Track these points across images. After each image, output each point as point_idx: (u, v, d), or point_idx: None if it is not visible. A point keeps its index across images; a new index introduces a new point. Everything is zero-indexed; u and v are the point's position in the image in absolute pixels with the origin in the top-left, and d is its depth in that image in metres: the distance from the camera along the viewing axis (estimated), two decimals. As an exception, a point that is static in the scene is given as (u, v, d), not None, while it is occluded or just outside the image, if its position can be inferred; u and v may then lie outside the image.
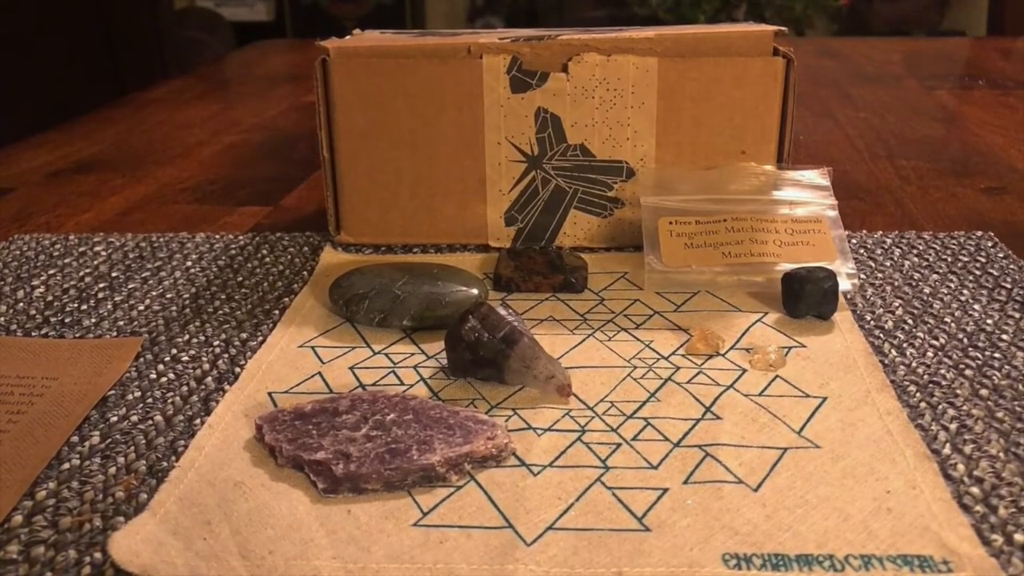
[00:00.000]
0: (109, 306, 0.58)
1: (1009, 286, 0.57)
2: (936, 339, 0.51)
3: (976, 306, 0.54)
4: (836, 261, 0.56)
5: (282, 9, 3.27)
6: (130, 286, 0.60)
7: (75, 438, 0.44)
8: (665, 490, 0.38)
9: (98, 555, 0.36)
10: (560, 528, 0.36)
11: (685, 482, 0.39)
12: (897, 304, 0.55)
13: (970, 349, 0.49)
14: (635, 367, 0.48)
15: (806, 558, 0.34)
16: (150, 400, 0.47)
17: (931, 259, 0.61)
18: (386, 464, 0.39)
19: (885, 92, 1.14)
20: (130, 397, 0.47)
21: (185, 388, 0.48)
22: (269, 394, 0.47)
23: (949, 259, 0.61)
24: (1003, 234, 0.65)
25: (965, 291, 0.56)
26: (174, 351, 0.52)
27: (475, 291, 0.54)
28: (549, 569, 0.34)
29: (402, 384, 0.47)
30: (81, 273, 0.63)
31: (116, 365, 0.50)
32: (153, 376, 0.49)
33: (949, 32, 3.03)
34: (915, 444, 0.41)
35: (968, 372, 0.47)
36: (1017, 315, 0.53)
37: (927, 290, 0.57)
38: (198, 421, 0.44)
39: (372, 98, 0.62)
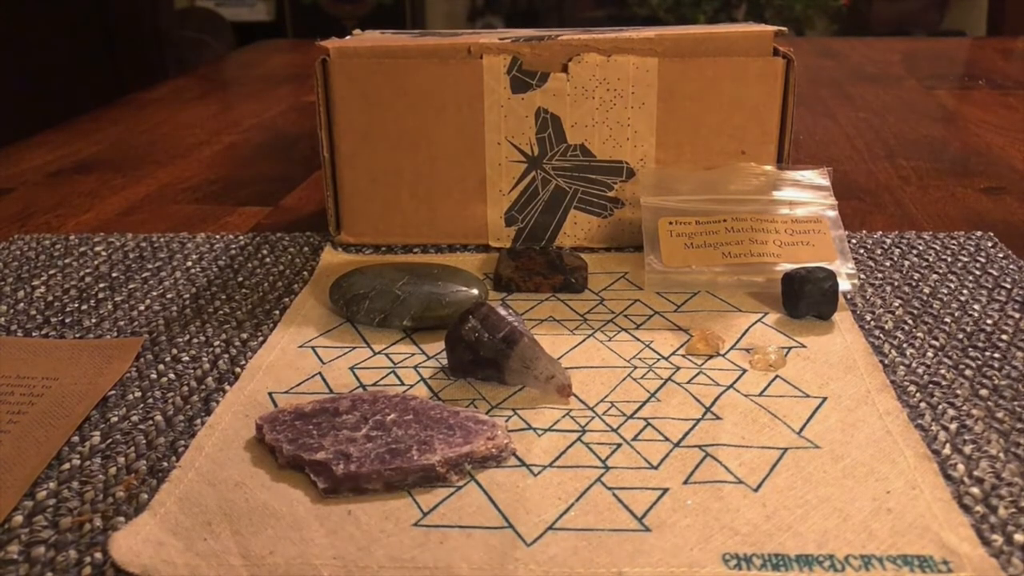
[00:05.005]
0: (109, 306, 0.58)
1: (1009, 286, 0.57)
2: (936, 339, 0.51)
3: (976, 306, 0.54)
4: (836, 261, 0.56)
5: (282, 9, 3.27)
6: (130, 286, 0.60)
7: (75, 438, 0.44)
8: (665, 490, 0.38)
9: (98, 555, 0.36)
10: (560, 528, 0.36)
11: (685, 482, 0.39)
12: (897, 304, 0.55)
13: (970, 349, 0.49)
14: (635, 367, 0.48)
15: (806, 558, 0.34)
16: (150, 400, 0.47)
17: (931, 259, 0.61)
18: (386, 464, 0.39)
19: (885, 92, 1.14)
20: (130, 397, 0.47)
21: (185, 388, 0.48)
22: (269, 394, 0.47)
23: (949, 259, 0.61)
24: (1003, 234, 0.65)
25: (965, 291, 0.56)
26: (174, 351, 0.52)
27: (475, 291, 0.54)
28: (549, 569, 0.34)
29: (402, 384, 0.47)
30: (81, 273, 0.63)
31: (116, 365, 0.50)
32: (153, 376, 0.49)
33: (949, 32, 3.02)
34: (915, 444, 0.41)
35: (968, 372, 0.47)
36: (1017, 315, 0.53)
37: (927, 290, 0.57)
38: (198, 421, 0.45)
39: (372, 98, 0.62)
